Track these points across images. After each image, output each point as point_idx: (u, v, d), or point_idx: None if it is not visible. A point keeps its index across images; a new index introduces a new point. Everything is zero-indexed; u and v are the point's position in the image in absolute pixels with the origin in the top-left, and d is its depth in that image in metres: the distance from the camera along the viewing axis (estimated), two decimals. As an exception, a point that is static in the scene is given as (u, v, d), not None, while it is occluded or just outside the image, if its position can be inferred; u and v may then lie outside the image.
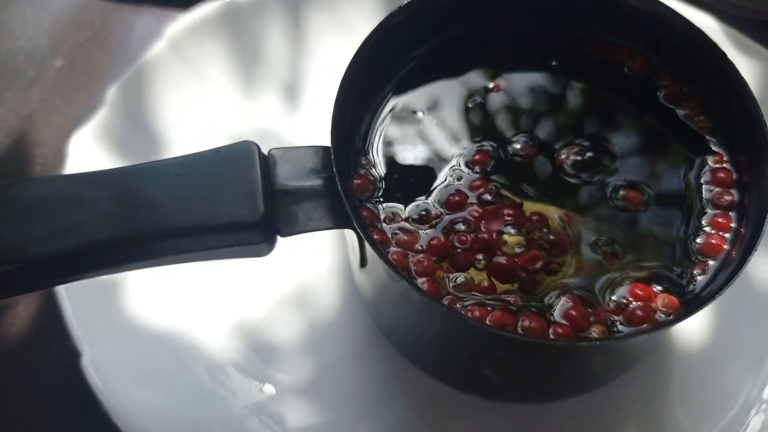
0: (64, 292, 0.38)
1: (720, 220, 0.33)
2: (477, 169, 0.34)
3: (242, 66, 0.47)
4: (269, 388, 0.38)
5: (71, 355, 0.37)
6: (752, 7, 0.52)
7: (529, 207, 0.34)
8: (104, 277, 0.34)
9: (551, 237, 0.33)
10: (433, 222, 0.33)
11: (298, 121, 0.46)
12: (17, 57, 0.52)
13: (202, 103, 0.46)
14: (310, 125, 0.45)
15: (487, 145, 0.35)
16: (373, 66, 0.35)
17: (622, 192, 0.35)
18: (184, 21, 0.46)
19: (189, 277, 0.39)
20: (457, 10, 0.37)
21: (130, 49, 0.52)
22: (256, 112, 0.46)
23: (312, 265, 0.41)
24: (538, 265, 0.32)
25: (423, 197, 0.34)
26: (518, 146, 0.35)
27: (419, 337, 0.36)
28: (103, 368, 0.37)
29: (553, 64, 0.38)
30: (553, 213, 0.34)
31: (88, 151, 0.42)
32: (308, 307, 0.40)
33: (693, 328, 0.40)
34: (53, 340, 0.41)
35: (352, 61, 0.33)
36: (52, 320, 0.40)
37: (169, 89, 0.45)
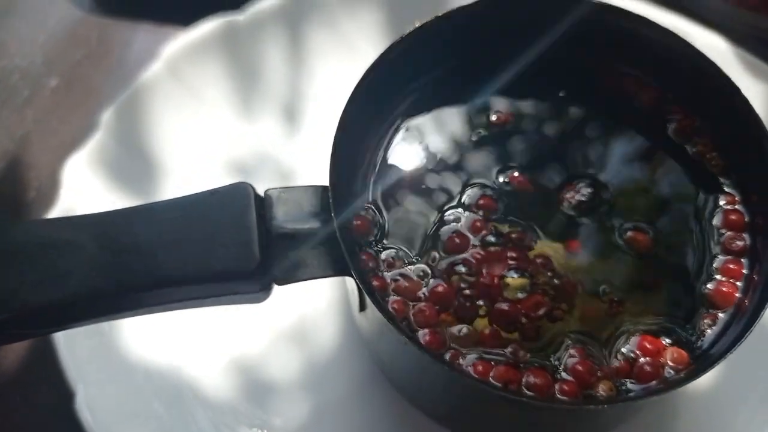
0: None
1: (731, 266, 0.32)
2: (481, 213, 0.34)
3: (241, 87, 0.47)
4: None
5: (65, 395, 0.37)
6: (763, 26, 0.51)
7: (534, 249, 0.33)
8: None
9: (555, 281, 0.32)
10: (436, 266, 0.32)
11: (298, 143, 0.45)
12: (12, 75, 0.52)
13: (200, 125, 0.46)
14: (310, 148, 0.45)
15: (491, 185, 0.35)
16: (374, 100, 0.34)
17: (629, 234, 0.34)
18: (180, 41, 0.46)
19: (185, 314, 0.38)
20: (459, 40, 0.36)
21: (127, 67, 0.52)
22: (255, 135, 0.46)
23: (311, 301, 0.40)
24: (542, 311, 0.31)
25: (426, 240, 0.33)
26: (521, 184, 0.35)
27: (420, 383, 0.36)
28: (97, 409, 0.36)
29: (561, 95, 0.37)
30: (558, 256, 0.33)
31: (83, 178, 0.42)
32: (306, 345, 0.40)
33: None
34: (46, 379, 0.40)
35: (351, 96, 0.33)
36: (45, 358, 0.39)
37: (166, 112, 0.45)
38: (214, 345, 0.40)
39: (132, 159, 0.44)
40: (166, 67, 0.45)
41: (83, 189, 0.42)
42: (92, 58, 0.52)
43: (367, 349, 0.39)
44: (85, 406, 0.36)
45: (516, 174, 0.35)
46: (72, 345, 0.37)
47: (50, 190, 0.46)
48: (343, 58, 0.46)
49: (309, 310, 0.40)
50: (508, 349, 0.31)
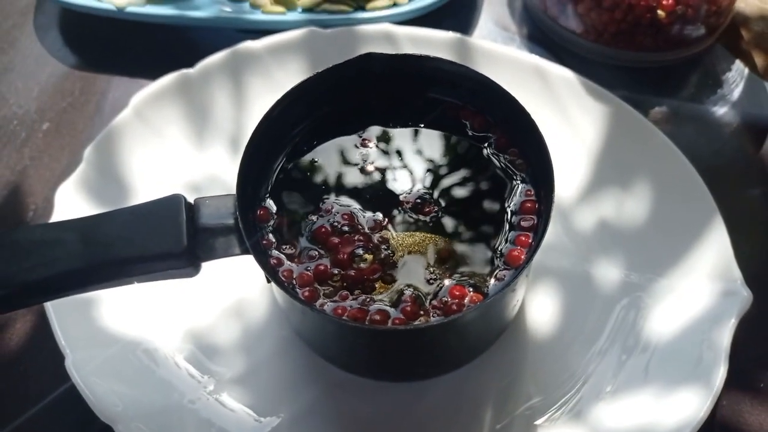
0: (51, 310, 0.45)
1: (522, 238, 0.42)
2: (343, 207, 0.43)
3: (194, 124, 0.54)
4: (212, 381, 0.46)
5: (58, 359, 0.44)
6: (615, 56, 0.61)
7: (379, 234, 0.43)
8: (82, 296, 0.41)
9: (392, 257, 0.42)
10: (314, 247, 0.42)
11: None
12: (11, 122, 0.58)
13: (162, 156, 0.53)
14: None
15: (354, 194, 0.44)
16: (271, 134, 0.44)
17: (450, 219, 0.43)
18: (145, 91, 0.54)
19: (153, 295, 0.47)
20: (326, 96, 0.45)
21: (104, 112, 0.59)
22: (206, 161, 0.53)
23: (247, 286, 0.48)
24: (377, 275, 0.41)
25: (307, 230, 0.43)
26: (374, 192, 0.44)
27: (317, 334, 0.45)
28: (82, 368, 0.44)
29: (421, 126, 0.46)
30: (396, 240, 0.43)
31: (71, 201, 0.50)
32: (244, 318, 0.48)
33: (543, 322, 0.48)
34: (43, 350, 0.47)
35: (253, 131, 0.42)
36: (42, 334, 0.46)
37: (135, 147, 0.53)
38: (175, 319, 0.47)
39: (109, 185, 0.51)
40: (133, 111, 0.53)
41: (71, 210, 0.48)
42: (76, 106, 0.59)
43: (285, 318, 0.47)
44: (72, 366, 0.43)
45: (373, 169, 0.44)
46: (62, 320, 0.45)
47: (45, 212, 0.53)
48: (275, 98, 0.51)
49: (246, 293, 0.48)
50: (359, 299, 0.40)
